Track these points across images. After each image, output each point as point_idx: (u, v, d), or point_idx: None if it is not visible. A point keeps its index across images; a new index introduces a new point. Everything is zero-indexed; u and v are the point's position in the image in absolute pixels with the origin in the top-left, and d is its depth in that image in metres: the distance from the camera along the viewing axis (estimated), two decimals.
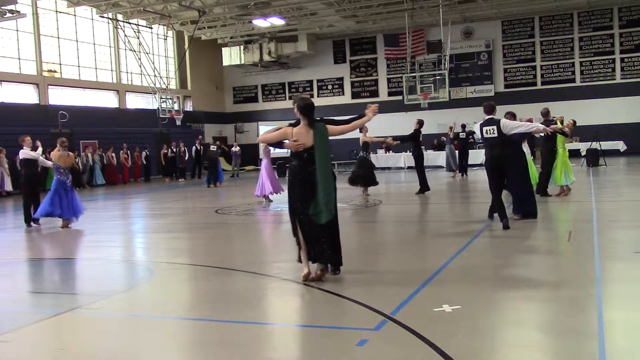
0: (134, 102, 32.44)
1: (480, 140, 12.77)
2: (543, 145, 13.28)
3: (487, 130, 9.20)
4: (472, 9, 29.77)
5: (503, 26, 32.56)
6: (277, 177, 15.67)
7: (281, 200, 15.65)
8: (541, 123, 13.17)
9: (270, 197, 15.14)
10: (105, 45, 30.62)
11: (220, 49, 35.33)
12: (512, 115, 10.44)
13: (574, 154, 22.91)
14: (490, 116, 9.29)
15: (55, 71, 27.55)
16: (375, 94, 34.71)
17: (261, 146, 15.53)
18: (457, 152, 22.13)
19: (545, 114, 13.45)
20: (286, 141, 6.16)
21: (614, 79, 30.85)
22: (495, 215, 9.46)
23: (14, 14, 21.78)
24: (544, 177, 13.05)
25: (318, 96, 36.19)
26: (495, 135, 9.11)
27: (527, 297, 5.47)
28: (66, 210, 11.76)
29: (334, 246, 6.16)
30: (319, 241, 6.05)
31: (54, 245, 10.33)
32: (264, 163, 15.26)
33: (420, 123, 15.79)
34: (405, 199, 14.96)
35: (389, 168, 28.51)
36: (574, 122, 13.61)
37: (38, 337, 5.03)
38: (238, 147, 28.99)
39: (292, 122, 6.37)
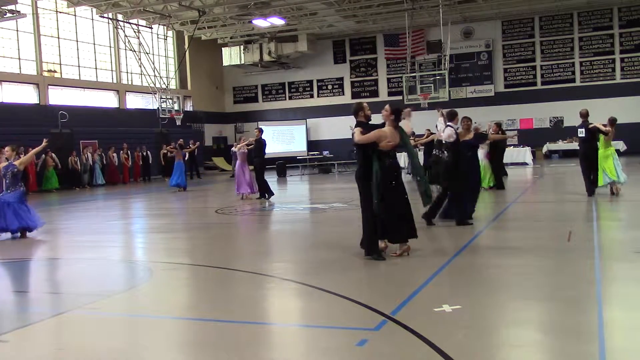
0: (134, 102, 32.42)
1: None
2: (582, 147, 13.10)
3: None
4: (472, 9, 29.74)
5: (503, 26, 32.53)
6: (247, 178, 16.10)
7: (282, 200, 15.68)
8: (580, 124, 13.07)
9: (249, 195, 15.78)
10: (105, 45, 30.60)
11: (220, 49, 35.30)
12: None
13: (573, 153, 22.89)
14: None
15: (55, 71, 27.53)
16: (375, 94, 34.67)
17: (237, 148, 16.21)
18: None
19: (585, 114, 13.17)
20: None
21: (614, 79, 30.83)
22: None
23: (14, 14, 21.77)
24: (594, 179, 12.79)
25: (318, 96, 36.22)
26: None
27: (527, 297, 5.47)
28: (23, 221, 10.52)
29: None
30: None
31: (53, 245, 10.33)
32: (240, 164, 15.88)
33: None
34: None
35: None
36: (613, 120, 13.25)
37: (38, 337, 5.03)
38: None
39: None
